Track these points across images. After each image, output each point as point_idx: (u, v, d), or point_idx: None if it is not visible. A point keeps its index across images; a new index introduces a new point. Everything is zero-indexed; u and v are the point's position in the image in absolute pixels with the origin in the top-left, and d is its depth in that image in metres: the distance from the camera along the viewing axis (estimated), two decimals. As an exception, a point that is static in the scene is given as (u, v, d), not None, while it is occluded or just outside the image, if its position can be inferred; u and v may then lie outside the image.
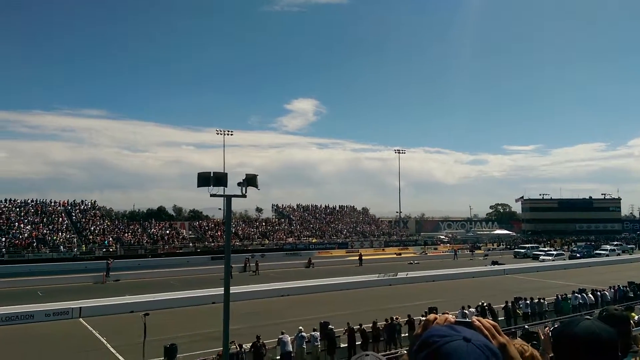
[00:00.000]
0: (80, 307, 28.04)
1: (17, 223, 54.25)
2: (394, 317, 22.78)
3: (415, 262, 58.81)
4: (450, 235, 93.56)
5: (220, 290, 28.62)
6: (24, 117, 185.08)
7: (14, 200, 59.13)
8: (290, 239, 68.93)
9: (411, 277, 43.11)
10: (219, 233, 64.51)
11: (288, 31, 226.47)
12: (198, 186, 17.65)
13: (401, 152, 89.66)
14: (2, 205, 57.16)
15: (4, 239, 50.80)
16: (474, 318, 1.30)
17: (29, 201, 60.14)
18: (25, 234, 52.66)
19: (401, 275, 43.04)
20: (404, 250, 71.51)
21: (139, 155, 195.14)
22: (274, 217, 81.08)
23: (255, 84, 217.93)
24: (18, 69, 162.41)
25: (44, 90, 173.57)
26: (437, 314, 1.45)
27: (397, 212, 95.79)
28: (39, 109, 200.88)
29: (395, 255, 66.00)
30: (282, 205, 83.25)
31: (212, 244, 61.86)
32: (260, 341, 19.38)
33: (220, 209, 69.78)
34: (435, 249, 76.28)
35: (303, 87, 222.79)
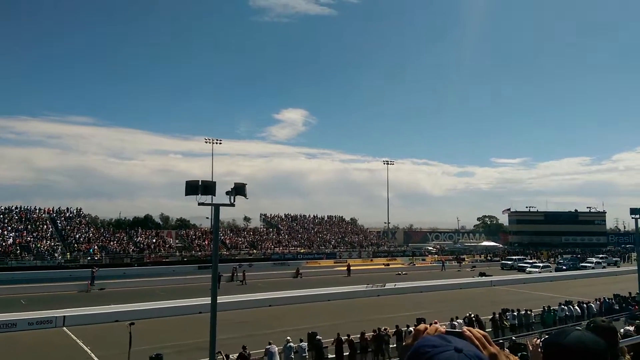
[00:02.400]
0: (64, 316, 27.57)
1: (0, 230, 53.34)
2: (382, 328, 22.75)
3: (404, 272, 58.88)
4: (438, 247, 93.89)
5: (206, 300, 28.33)
6: (9, 122, 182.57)
7: (-2, 207, 58.14)
8: (278, 249, 68.65)
9: (399, 287, 43.12)
10: (206, 242, 64.04)
11: (278, 41, 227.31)
12: (186, 194, 17.56)
13: (389, 163, 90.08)
14: (-14, 212, 56.21)
15: (-14, 246, 49.89)
16: (465, 328, 1.30)
17: (12, 208, 59.19)
18: (9, 241, 51.77)
19: (389, 286, 43.04)
20: (392, 260, 71.53)
21: (126, 163, 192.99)
22: (262, 226, 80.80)
23: (244, 93, 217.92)
24: (3, 73, 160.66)
25: (30, 96, 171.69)
26: (426, 324, 1.46)
27: (385, 222, 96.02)
28: (24, 115, 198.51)
29: (383, 266, 65.98)
30: (271, 214, 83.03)
31: (199, 253, 61.35)
32: (247, 351, 19.21)
33: (208, 217, 69.48)
34: (423, 259, 76.43)
35: (293, 97, 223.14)
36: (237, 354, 19.11)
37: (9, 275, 44.90)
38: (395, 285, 43.87)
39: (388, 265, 67.17)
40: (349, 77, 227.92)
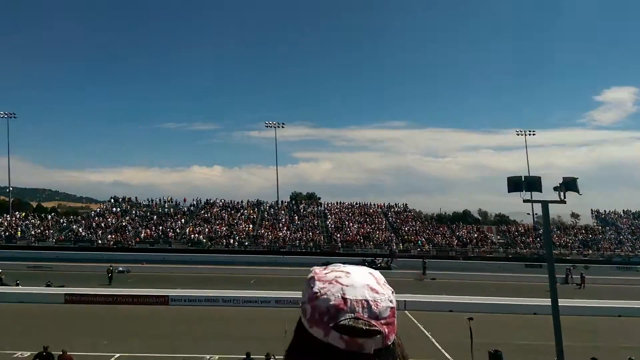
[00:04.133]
0: (405, 301, 30.83)
1: (347, 222, 63.95)
2: None
3: None
4: None
5: (542, 301, 26.81)
6: (341, 132, 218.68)
7: (343, 203, 69.97)
8: (619, 251, 58.93)
9: None
10: (530, 239, 60.78)
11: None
12: (509, 191, 17.25)
13: None
14: (335, 207, 68.47)
15: (338, 235, 60.64)
16: None
17: (354, 203, 70.13)
18: (354, 232, 61.47)
19: None
20: None
21: (439, 161, 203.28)
22: (595, 224, 70.91)
23: (557, 77, 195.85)
24: (331, 95, 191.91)
25: (355, 109, 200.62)
26: None
27: None
28: (353, 125, 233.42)
29: None
30: (605, 211, 71.95)
31: (524, 251, 58.60)
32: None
33: (528, 214, 65.69)
34: None
35: (617, 73, 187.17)
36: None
37: (357, 260, 53.28)
38: None
39: None
40: None
